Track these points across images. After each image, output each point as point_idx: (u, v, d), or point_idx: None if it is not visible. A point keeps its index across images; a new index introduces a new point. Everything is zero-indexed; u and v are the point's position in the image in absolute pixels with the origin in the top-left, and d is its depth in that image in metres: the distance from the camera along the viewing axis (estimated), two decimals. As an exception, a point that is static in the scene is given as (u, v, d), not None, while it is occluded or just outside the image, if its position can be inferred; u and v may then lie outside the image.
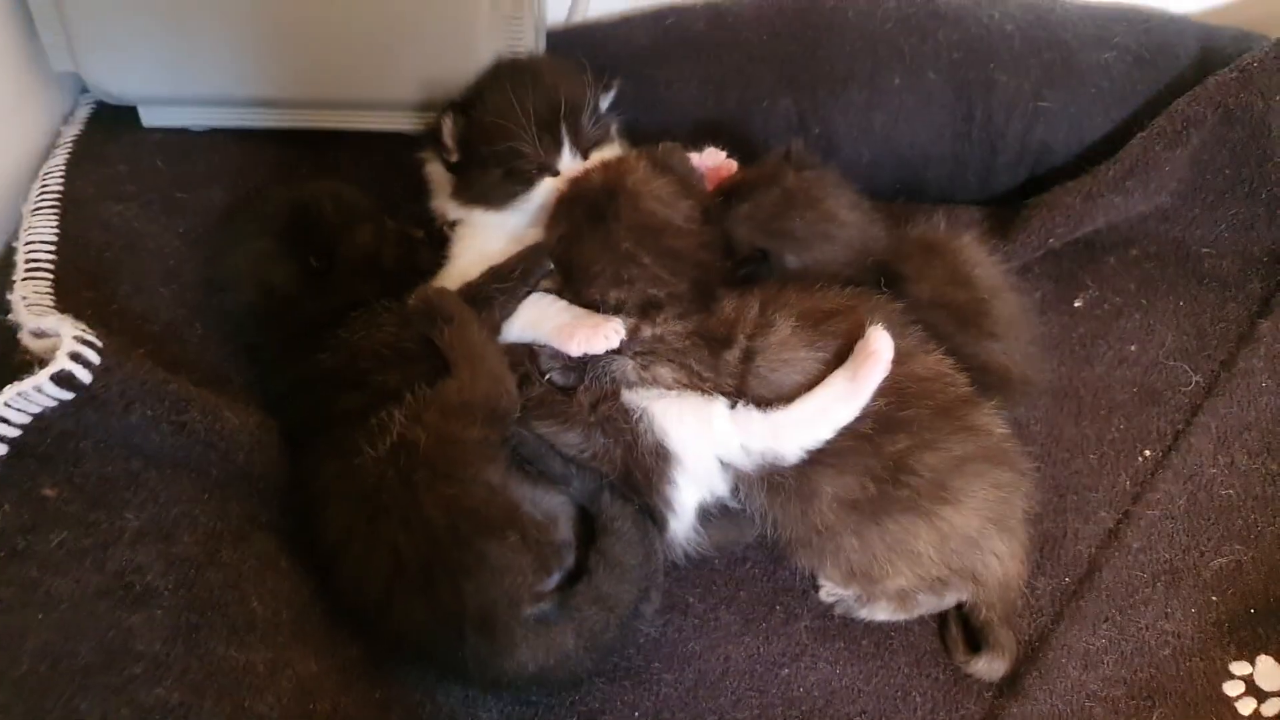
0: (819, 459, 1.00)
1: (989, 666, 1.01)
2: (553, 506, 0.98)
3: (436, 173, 1.23)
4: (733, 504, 1.07)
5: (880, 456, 0.98)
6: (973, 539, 0.99)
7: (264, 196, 1.17)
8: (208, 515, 0.89)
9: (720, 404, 1.01)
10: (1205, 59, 1.33)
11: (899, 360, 0.99)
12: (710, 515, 1.07)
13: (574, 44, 1.38)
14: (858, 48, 1.34)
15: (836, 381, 0.99)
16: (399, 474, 0.93)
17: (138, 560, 0.80)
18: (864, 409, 0.98)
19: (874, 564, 1.01)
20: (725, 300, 1.06)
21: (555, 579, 0.95)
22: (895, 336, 1.00)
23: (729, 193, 1.14)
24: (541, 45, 1.29)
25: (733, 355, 1.02)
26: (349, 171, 1.31)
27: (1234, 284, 1.32)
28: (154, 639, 0.77)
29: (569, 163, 1.16)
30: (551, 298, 1.09)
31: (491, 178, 1.15)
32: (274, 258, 1.08)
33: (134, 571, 0.79)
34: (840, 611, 1.07)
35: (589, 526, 1.01)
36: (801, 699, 1.02)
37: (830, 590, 1.07)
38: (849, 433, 0.99)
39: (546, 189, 1.15)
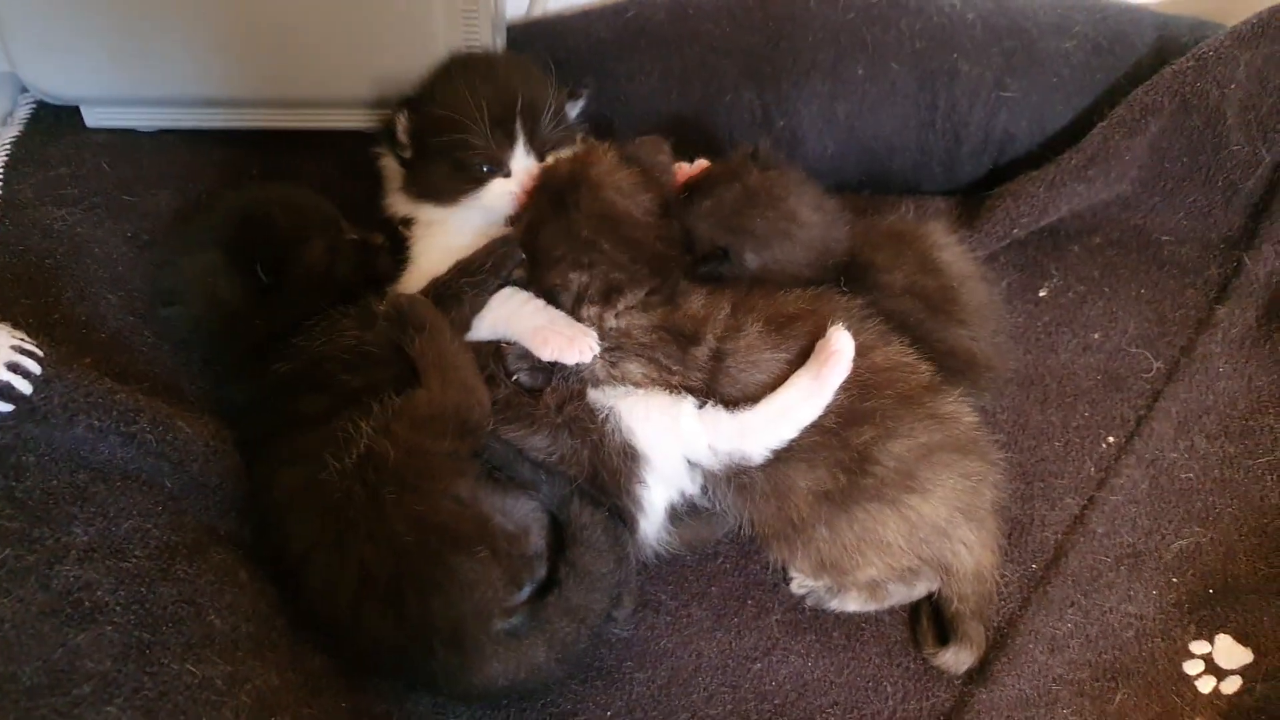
0: (790, 455, 1.00)
1: (955, 658, 1.01)
2: (524, 517, 0.97)
3: (390, 169, 1.21)
4: (703, 502, 1.06)
5: (848, 448, 0.99)
6: (941, 528, 1.00)
7: (212, 205, 1.13)
8: (161, 529, 0.86)
9: (688, 403, 1.01)
10: (1162, 48, 1.34)
11: (859, 353, 0.99)
12: (681, 515, 1.06)
13: (534, 38, 1.36)
14: (820, 38, 1.33)
15: (801, 381, 0.98)
16: (366, 488, 0.90)
17: (86, 577, 0.78)
18: (828, 404, 0.98)
19: (844, 555, 1.00)
20: (693, 296, 1.05)
21: (526, 591, 0.94)
22: (854, 331, 1.00)
23: (692, 188, 1.13)
24: (501, 41, 1.27)
25: (701, 352, 1.02)
26: (303, 172, 1.28)
27: (1193, 270, 1.34)
28: (103, 658, 0.74)
29: (523, 162, 1.12)
30: (525, 295, 1.07)
31: (439, 172, 1.12)
32: (221, 271, 1.03)
33: (82, 589, 0.77)
34: (811, 603, 1.06)
35: (560, 534, 0.99)
36: (774, 692, 1.01)
37: (801, 582, 1.07)
38: (815, 428, 0.99)
39: (498, 191, 1.12)
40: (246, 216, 1.06)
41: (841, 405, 0.99)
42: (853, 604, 1.05)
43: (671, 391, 1.02)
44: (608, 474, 1.01)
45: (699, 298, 1.05)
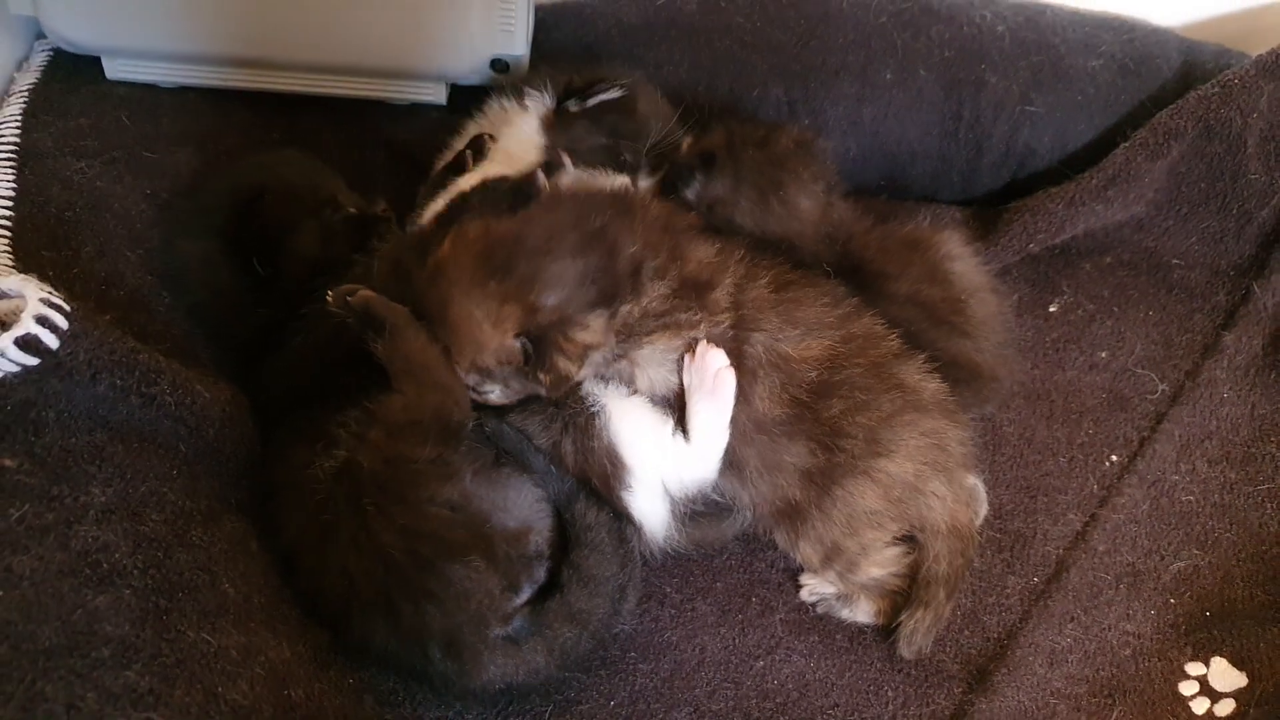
0: (769, 428, 1.00)
1: (913, 622, 1.01)
2: (527, 512, 0.94)
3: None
4: (715, 496, 1.06)
5: (820, 422, 1.00)
6: (911, 484, 1.00)
7: (205, 187, 1.10)
8: (176, 494, 0.85)
9: (669, 426, 1.01)
10: (1187, 72, 1.35)
11: (836, 324, 1.02)
12: (691, 514, 1.05)
13: (563, 20, 1.36)
14: (851, 40, 1.33)
15: (701, 408, 1.00)
16: (347, 497, 0.88)
17: (104, 538, 0.76)
18: (798, 378, 1.00)
19: (843, 538, 1.01)
20: (700, 245, 1.03)
21: (525, 594, 0.92)
22: (833, 306, 1.04)
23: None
24: (530, 18, 1.26)
25: (721, 294, 1.01)
26: (322, 139, 1.26)
27: (1201, 295, 1.35)
28: (122, 621, 0.73)
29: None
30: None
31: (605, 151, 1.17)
32: (221, 262, 1.02)
33: (100, 550, 0.75)
34: (822, 610, 1.07)
35: (565, 532, 0.97)
36: (775, 691, 1.02)
37: (812, 589, 1.07)
38: (789, 400, 1.00)
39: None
40: (237, 204, 1.03)
41: (812, 380, 1.00)
42: (863, 615, 1.06)
43: (659, 405, 1.02)
44: (596, 476, 1.00)
45: (707, 246, 1.03)
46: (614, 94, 1.16)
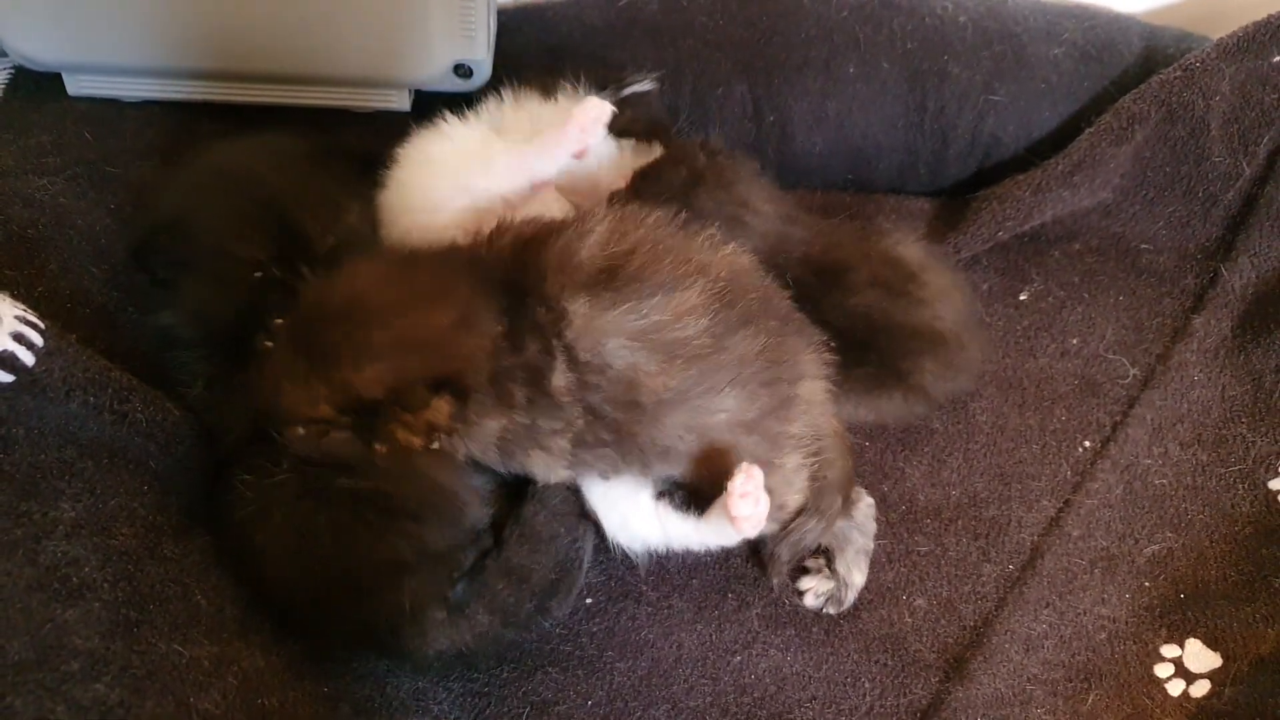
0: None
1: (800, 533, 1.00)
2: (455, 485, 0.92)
3: None
4: None
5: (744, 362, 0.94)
6: (810, 399, 0.98)
7: (175, 169, 1.08)
8: (147, 508, 0.85)
9: (646, 492, 0.98)
10: (1149, 57, 1.36)
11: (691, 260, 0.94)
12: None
13: (525, 22, 1.36)
14: (813, 35, 1.34)
15: (719, 517, 0.96)
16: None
17: (74, 553, 0.76)
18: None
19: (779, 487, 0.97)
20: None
21: (469, 563, 0.91)
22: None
23: (640, 175, 1.11)
24: (493, 21, 1.26)
25: (559, 380, 0.88)
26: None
27: (1170, 279, 1.36)
28: (92, 634, 0.73)
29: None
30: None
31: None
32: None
33: (69, 565, 0.76)
34: (833, 609, 1.07)
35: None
36: (753, 686, 1.02)
37: (816, 591, 1.07)
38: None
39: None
40: (139, 230, 1.01)
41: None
42: (859, 578, 1.07)
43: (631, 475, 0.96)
44: None
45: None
46: (646, 85, 1.23)
